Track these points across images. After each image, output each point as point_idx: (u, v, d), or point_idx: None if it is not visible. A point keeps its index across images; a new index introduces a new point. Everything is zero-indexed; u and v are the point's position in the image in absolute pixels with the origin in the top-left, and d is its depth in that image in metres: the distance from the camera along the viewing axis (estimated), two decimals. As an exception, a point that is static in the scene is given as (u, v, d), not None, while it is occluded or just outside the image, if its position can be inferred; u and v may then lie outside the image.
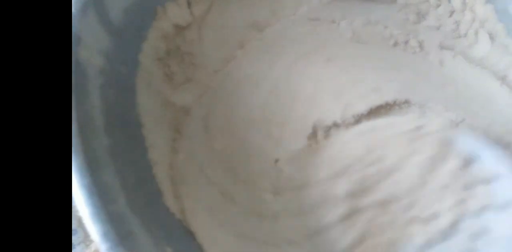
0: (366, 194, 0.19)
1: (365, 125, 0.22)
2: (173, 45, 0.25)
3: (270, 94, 0.24)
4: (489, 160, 0.19)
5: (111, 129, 0.18)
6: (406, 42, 0.29)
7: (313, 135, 0.24)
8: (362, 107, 0.24)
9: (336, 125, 0.24)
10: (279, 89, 0.24)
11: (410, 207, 0.19)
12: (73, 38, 0.17)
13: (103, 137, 0.17)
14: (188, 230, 0.18)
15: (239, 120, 0.24)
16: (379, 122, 0.22)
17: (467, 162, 0.19)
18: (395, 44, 0.28)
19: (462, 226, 0.18)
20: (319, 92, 0.24)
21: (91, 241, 0.29)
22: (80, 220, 0.30)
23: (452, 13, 0.30)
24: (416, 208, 0.18)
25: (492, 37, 0.29)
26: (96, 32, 0.19)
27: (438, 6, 0.30)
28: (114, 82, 0.20)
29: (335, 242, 0.19)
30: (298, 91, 0.24)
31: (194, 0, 0.27)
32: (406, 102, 0.24)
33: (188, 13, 0.26)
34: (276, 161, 0.23)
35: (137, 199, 0.16)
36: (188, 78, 0.25)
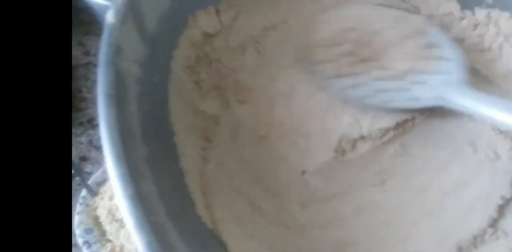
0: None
1: None
2: (202, 52, 0.25)
3: (298, 106, 0.25)
4: (448, 50, 0.26)
5: (148, 138, 0.18)
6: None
7: (340, 147, 0.24)
8: (388, 121, 0.24)
9: (362, 138, 0.24)
10: (306, 100, 0.25)
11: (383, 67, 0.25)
12: (114, 48, 0.18)
13: (141, 146, 0.17)
14: (220, 240, 0.19)
15: (266, 130, 0.24)
16: None
17: (431, 45, 0.26)
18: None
19: (410, 76, 0.25)
20: (347, 104, 0.25)
21: (107, 241, 0.30)
22: (96, 219, 0.31)
23: (476, 26, 0.30)
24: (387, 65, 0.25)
25: (516, 52, 0.29)
26: (134, 42, 0.20)
27: (462, 18, 0.30)
28: (149, 90, 0.20)
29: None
30: (326, 103, 0.24)
31: (222, 8, 0.27)
32: None
33: (217, 21, 0.27)
34: (303, 172, 0.23)
35: (173, 208, 0.17)
36: (215, 86, 0.25)
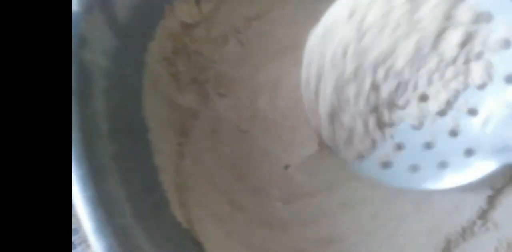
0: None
1: None
2: (180, 43, 0.24)
3: (282, 98, 0.23)
4: (502, 24, 0.17)
5: (116, 135, 0.17)
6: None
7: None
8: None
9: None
10: (291, 92, 0.23)
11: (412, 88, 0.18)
12: (78, 38, 0.16)
13: (107, 144, 0.16)
14: (195, 241, 0.18)
15: (248, 123, 0.23)
16: None
17: (477, 21, 0.17)
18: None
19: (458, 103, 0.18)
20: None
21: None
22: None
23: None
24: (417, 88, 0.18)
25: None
26: (102, 32, 0.18)
27: None
28: (119, 84, 0.19)
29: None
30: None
31: (203, -4, 0.26)
32: None
33: (197, 10, 0.25)
34: (286, 167, 0.22)
35: (143, 209, 0.16)
36: (194, 78, 0.24)
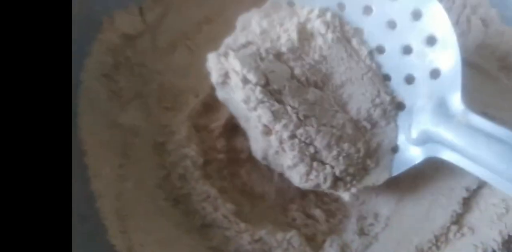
0: None
1: None
2: (122, 57, 0.24)
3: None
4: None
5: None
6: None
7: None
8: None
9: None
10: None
11: None
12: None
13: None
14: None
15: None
16: None
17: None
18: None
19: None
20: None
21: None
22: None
23: (441, -2, 0.29)
24: None
25: (485, 24, 0.28)
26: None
27: (426, -10, 0.29)
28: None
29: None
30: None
31: (147, 5, 0.26)
32: None
33: (139, 20, 0.26)
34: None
35: (74, 240, 0.16)
36: (138, 93, 0.24)
